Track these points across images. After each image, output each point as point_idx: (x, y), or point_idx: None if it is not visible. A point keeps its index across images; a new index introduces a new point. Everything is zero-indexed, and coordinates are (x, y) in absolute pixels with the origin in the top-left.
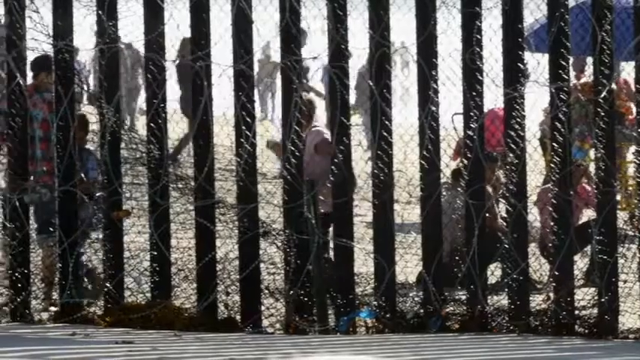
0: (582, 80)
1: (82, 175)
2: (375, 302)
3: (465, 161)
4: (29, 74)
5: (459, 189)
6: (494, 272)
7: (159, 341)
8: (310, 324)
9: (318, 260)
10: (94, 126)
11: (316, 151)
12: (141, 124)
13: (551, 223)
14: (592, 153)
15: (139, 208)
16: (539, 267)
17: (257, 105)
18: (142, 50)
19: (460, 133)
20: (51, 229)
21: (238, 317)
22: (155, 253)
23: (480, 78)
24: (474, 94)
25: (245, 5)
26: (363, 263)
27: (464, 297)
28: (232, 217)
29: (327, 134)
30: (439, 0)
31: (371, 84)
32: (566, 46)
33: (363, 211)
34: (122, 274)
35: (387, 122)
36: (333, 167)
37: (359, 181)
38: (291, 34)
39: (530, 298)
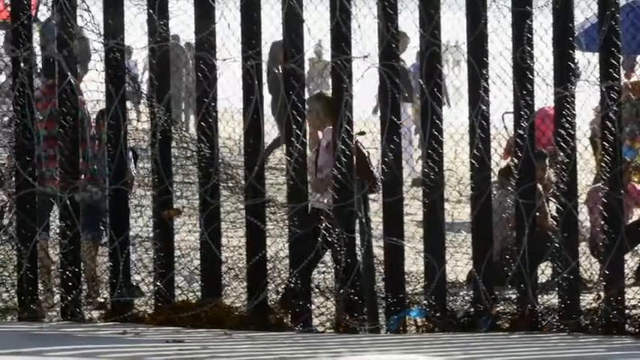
0: (633, 79)
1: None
2: (425, 301)
3: (516, 160)
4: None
5: (509, 188)
6: (544, 271)
7: (209, 340)
8: (360, 323)
9: (368, 259)
10: (144, 125)
11: (327, 149)
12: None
13: (602, 222)
14: None
15: (190, 207)
16: (589, 266)
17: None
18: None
19: (510, 132)
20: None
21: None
22: (205, 251)
23: (531, 77)
24: (525, 92)
25: (296, 4)
26: (414, 262)
27: (514, 296)
28: (282, 216)
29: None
30: None
31: (421, 83)
32: (616, 45)
33: (413, 209)
34: (173, 272)
35: (437, 121)
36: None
37: (409, 179)
38: (342, 33)
39: (581, 297)
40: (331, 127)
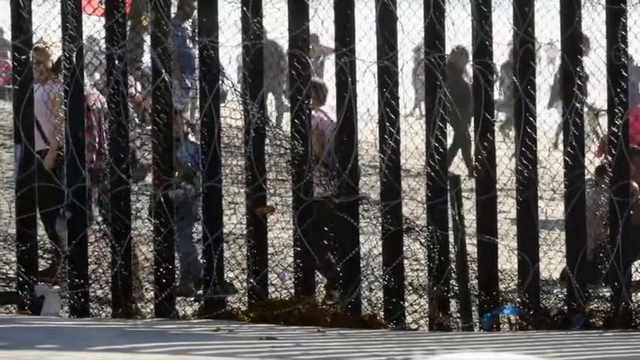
0: None
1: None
2: (519, 299)
3: (610, 158)
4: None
5: (603, 185)
6: (638, 269)
7: (302, 337)
8: (453, 320)
9: (461, 256)
10: (238, 122)
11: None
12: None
13: None
14: None
15: (283, 204)
16: None
17: (401, 101)
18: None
19: (604, 130)
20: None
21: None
22: (299, 249)
23: (625, 74)
24: (619, 90)
25: (390, 2)
26: (507, 260)
27: (608, 294)
28: (376, 214)
29: (325, 119)
30: None
31: (515, 80)
32: None
33: (507, 207)
34: (266, 270)
35: (531, 118)
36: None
37: (502, 177)
38: (435, 31)
39: None
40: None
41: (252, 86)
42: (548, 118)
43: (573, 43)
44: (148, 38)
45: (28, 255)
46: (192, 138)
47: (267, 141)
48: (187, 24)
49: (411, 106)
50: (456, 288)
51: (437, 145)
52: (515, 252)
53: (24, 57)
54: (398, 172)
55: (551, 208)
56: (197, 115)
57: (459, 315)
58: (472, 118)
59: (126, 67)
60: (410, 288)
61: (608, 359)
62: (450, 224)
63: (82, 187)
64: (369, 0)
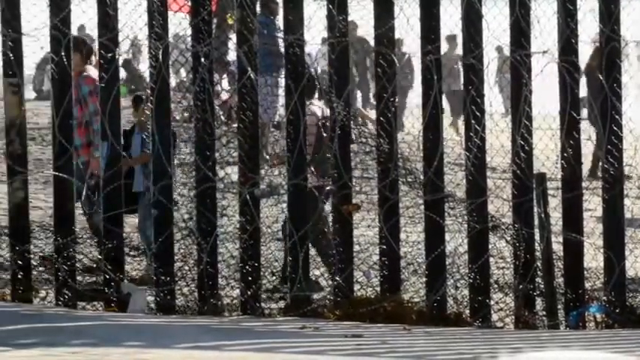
0: None
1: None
2: (605, 297)
3: None
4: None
5: None
6: None
7: (388, 335)
8: (539, 318)
9: (547, 254)
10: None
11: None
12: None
13: None
14: None
15: (369, 202)
16: None
17: (487, 99)
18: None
19: None
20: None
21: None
22: (384, 246)
23: None
24: None
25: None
26: (593, 258)
27: None
28: (461, 212)
29: (317, 112)
30: None
31: (602, 78)
32: None
33: (592, 205)
34: (352, 267)
35: (617, 117)
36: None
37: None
38: (521, 29)
39: None
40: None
41: (337, 84)
42: (634, 116)
43: None
44: (233, 36)
45: (114, 252)
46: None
47: (352, 138)
48: (273, 21)
49: (496, 103)
50: (542, 286)
51: (522, 143)
52: (601, 250)
53: (110, 55)
54: (483, 170)
55: (638, 206)
56: (282, 112)
57: (544, 313)
58: None
59: (212, 64)
60: (495, 286)
61: None
62: (536, 222)
63: (168, 185)
64: None
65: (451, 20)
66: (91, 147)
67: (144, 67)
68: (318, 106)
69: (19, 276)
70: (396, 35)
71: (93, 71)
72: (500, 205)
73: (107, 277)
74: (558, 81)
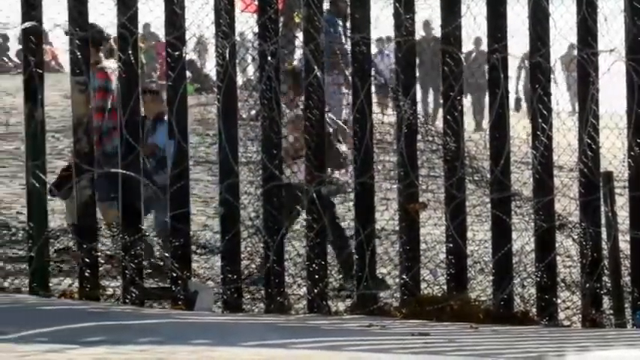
0: None
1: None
2: None
3: None
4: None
5: None
6: None
7: (454, 333)
8: (606, 317)
9: (614, 253)
10: (391, 118)
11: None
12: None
13: None
14: None
15: (435, 201)
16: None
17: (553, 98)
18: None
19: None
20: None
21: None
22: (451, 245)
23: None
24: None
25: None
26: None
27: None
28: (528, 210)
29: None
30: None
31: None
32: None
33: None
34: (418, 266)
35: None
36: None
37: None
38: (588, 27)
39: None
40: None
41: (404, 82)
42: None
43: None
44: (300, 35)
45: (181, 250)
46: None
47: (419, 137)
48: (339, 20)
49: (563, 102)
50: (609, 285)
51: (589, 141)
52: None
53: (177, 53)
54: (550, 169)
55: None
56: (349, 111)
57: (611, 312)
58: None
59: (278, 63)
60: (562, 285)
61: None
62: (603, 221)
63: (234, 183)
64: None
65: (518, 18)
66: (103, 138)
67: (209, 65)
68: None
69: (86, 274)
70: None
71: (109, 64)
72: (567, 204)
73: (174, 275)
74: (625, 80)
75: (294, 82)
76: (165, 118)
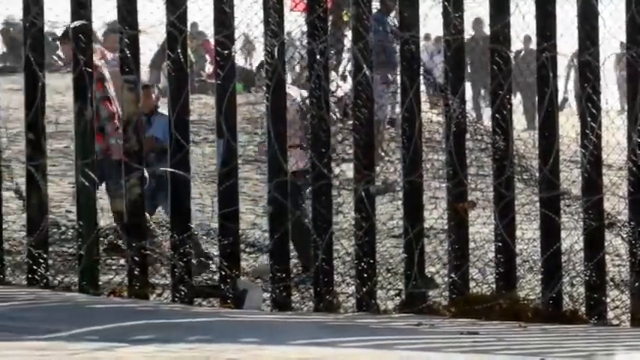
0: None
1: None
2: None
3: None
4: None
5: None
6: None
7: (503, 332)
8: None
9: None
10: (439, 117)
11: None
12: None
13: None
14: None
15: (484, 200)
16: None
17: (602, 96)
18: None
19: None
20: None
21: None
22: (500, 244)
23: None
24: None
25: None
26: None
27: None
28: (577, 209)
29: (295, 97)
30: None
31: None
32: None
33: None
34: (467, 265)
35: None
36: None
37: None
38: (637, 25)
39: None
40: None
41: (452, 81)
42: None
43: None
44: (349, 33)
45: (230, 249)
46: (164, 112)
47: (467, 136)
48: (388, 19)
49: (612, 100)
50: None
51: (638, 140)
52: None
53: (226, 52)
54: (599, 168)
55: None
56: (398, 109)
57: None
58: None
59: (327, 61)
60: (611, 283)
61: None
62: None
63: (283, 182)
64: None
65: (567, 17)
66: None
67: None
68: (295, 91)
69: (136, 272)
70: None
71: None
72: (616, 203)
73: (223, 273)
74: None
75: None
76: (161, 111)
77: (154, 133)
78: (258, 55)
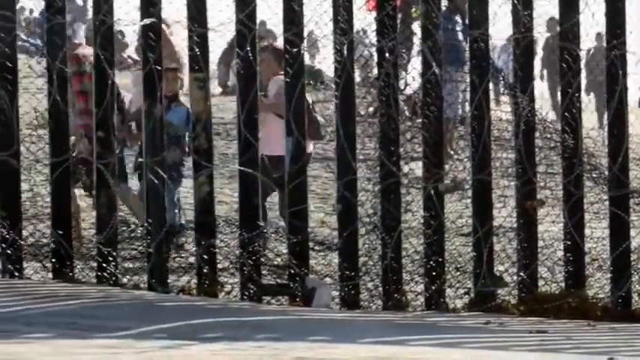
0: None
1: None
2: None
3: None
4: None
5: None
6: None
7: (572, 331)
8: None
9: None
10: (508, 115)
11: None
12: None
13: None
14: None
15: (553, 198)
16: None
17: None
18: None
19: None
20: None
21: None
22: (569, 242)
23: None
24: None
25: None
26: None
27: None
28: None
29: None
30: None
31: None
32: None
33: None
34: (536, 263)
35: None
36: None
37: None
38: None
39: None
40: (280, 76)
41: (521, 79)
42: None
43: None
44: (418, 31)
45: (299, 247)
46: (184, 100)
47: (537, 134)
48: (457, 16)
49: None
50: None
51: None
52: None
53: (295, 50)
54: None
55: None
56: (467, 108)
57: None
58: None
59: (396, 59)
60: None
61: None
62: None
63: (352, 180)
64: None
65: (636, 15)
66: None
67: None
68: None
69: (204, 270)
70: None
71: (83, 50)
72: None
73: (292, 271)
74: None
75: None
76: (182, 100)
77: (170, 117)
78: (324, 54)
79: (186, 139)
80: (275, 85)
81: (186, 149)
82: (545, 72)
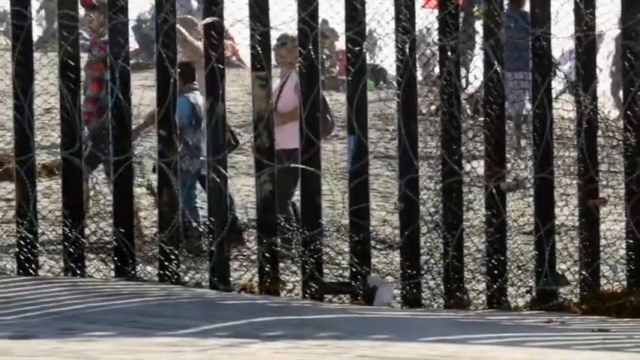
0: None
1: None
2: None
3: None
4: None
5: None
6: None
7: (635, 330)
8: None
9: None
10: (570, 114)
11: (295, 90)
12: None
13: None
14: None
15: (616, 196)
16: None
17: None
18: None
19: None
20: None
21: None
22: (631, 241)
23: None
24: None
25: None
26: None
27: None
28: None
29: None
30: None
31: None
32: None
33: None
34: (598, 262)
35: None
36: None
37: None
38: None
39: None
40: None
41: (584, 78)
42: None
43: None
44: (480, 29)
45: (361, 246)
46: (192, 95)
47: (599, 132)
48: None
49: None
50: None
51: None
52: None
53: (357, 48)
54: None
55: None
56: (529, 106)
57: None
58: None
59: (459, 58)
60: None
61: None
62: None
63: (414, 179)
64: None
65: None
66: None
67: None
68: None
69: (266, 268)
70: None
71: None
72: None
73: (354, 270)
74: None
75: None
76: (188, 95)
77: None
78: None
79: (194, 132)
80: (295, 78)
81: (190, 143)
82: (614, 69)
